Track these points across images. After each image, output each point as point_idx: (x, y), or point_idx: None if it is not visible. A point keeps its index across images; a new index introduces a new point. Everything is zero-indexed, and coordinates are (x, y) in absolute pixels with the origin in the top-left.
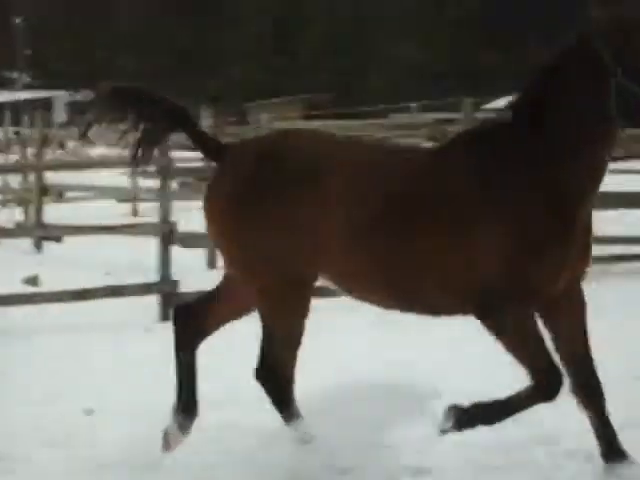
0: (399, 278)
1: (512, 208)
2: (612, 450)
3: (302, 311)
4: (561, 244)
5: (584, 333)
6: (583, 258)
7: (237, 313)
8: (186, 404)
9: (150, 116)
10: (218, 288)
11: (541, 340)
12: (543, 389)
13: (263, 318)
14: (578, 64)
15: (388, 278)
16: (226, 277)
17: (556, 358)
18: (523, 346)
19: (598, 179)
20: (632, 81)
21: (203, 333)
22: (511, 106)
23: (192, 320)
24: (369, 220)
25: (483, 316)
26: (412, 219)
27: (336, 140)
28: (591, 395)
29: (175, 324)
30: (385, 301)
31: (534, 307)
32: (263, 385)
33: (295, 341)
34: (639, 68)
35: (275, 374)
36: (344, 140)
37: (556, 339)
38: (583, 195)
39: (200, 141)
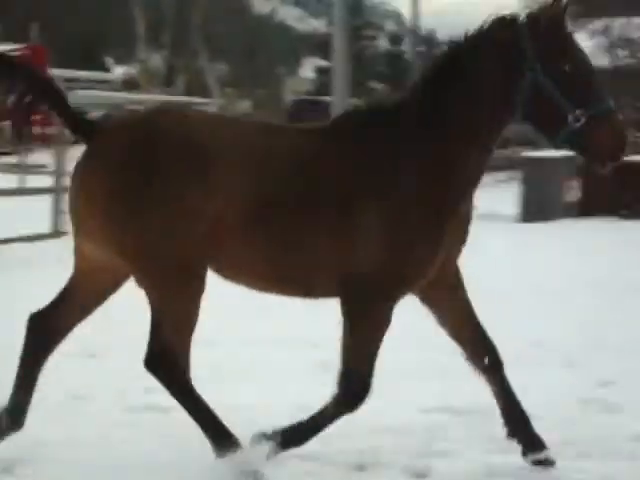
0: (283, 261)
1: (390, 195)
2: (519, 427)
3: (193, 297)
4: (436, 237)
5: (470, 312)
6: (459, 245)
7: (89, 310)
8: (16, 412)
9: (12, 88)
10: (67, 288)
11: (379, 347)
12: (350, 396)
13: (152, 304)
14: (489, 49)
15: (271, 260)
16: (75, 274)
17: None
18: (365, 342)
19: (481, 172)
20: (548, 80)
21: (58, 338)
22: (409, 86)
23: (45, 327)
24: (255, 204)
25: (347, 300)
26: (295, 203)
27: (219, 120)
28: (492, 371)
29: (28, 332)
30: (264, 282)
31: (399, 300)
32: (155, 374)
33: (188, 327)
34: (560, 70)
35: (167, 361)
36: (228, 120)
37: (443, 323)
38: (465, 187)
39: (68, 118)
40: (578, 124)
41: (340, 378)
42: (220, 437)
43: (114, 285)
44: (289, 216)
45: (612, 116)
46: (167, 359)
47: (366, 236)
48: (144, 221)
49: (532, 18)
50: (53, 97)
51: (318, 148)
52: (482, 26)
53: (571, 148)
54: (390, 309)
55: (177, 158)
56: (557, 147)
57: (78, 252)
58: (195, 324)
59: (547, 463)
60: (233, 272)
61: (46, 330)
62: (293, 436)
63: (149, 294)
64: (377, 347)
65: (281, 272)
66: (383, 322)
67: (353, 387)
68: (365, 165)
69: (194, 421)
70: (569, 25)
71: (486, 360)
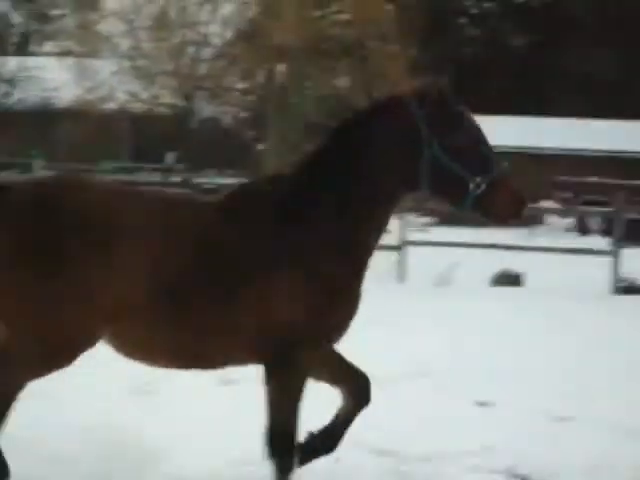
0: (189, 338)
1: (308, 258)
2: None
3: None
4: (354, 292)
5: (336, 357)
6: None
7: None
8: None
9: None
10: None
11: (299, 402)
12: (276, 452)
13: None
14: (391, 126)
15: (176, 339)
16: None
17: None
18: (290, 400)
19: (382, 232)
20: (446, 154)
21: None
22: (312, 153)
23: None
24: (162, 278)
25: (273, 363)
26: (203, 275)
27: (119, 191)
28: (355, 400)
29: None
30: (170, 361)
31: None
32: None
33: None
34: (455, 142)
35: None
36: (128, 192)
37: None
38: (371, 247)
39: None
40: (479, 190)
41: (267, 434)
42: None
43: None
44: (203, 290)
45: (508, 178)
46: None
47: (289, 300)
48: (30, 293)
49: (420, 98)
50: None
51: (236, 217)
52: (373, 108)
53: (475, 212)
54: (311, 363)
55: (78, 234)
56: (462, 212)
57: None
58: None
59: None
60: (134, 350)
61: None
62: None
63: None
64: (298, 405)
65: (189, 351)
66: (303, 383)
67: (277, 445)
68: (286, 231)
69: None
70: (455, 100)
71: (357, 387)
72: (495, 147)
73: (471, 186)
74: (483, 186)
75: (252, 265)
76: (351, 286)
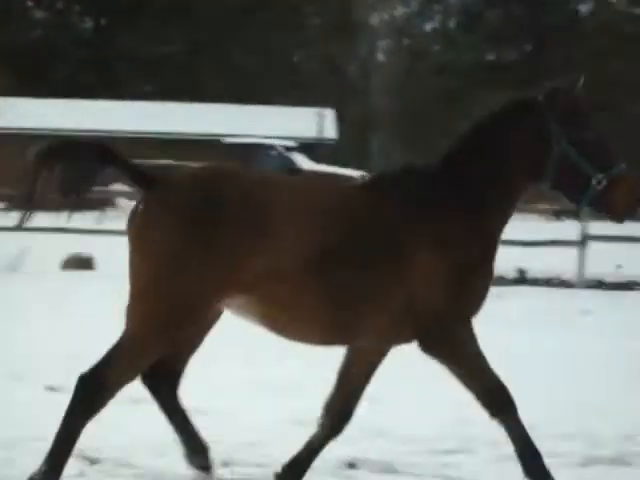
0: (345, 312)
1: (447, 239)
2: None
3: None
4: (488, 270)
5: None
6: None
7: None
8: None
9: (78, 166)
10: None
11: (485, 359)
12: (496, 406)
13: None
14: (523, 124)
15: (333, 312)
16: None
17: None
18: (471, 365)
19: (508, 220)
20: (574, 151)
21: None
22: (449, 149)
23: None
24: (317, 255)
25: (430, 343)
26: (355, 254)
27: (271, 176)
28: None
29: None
30: (324, 336)
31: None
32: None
33: None
34: (583, 140)
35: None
36: (278, 177)
37: (346, 371)
38: (500, 233)
39: (130, 173)
40: (600, 186)
41: (478, 397)
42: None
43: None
44: (356, 268)
45: (627, 176)
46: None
47: (433, 279)
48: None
49: (551, 99)
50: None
51: (383, 202)
52: (508, 108)
53: (593, 207)
54: (470, 334)
55: (240, 211)
56: (581, 206)
57: None
58: None
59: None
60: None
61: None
62: None
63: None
64: (484, 361)
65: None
66: (474, 347)
67: (493, 400)
68: (428, 216)
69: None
70: (583, 100)
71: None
72: (62, 131)
73: (593, 181)
74: (604, 182)
75: (399, 245)
76: (488, 267)
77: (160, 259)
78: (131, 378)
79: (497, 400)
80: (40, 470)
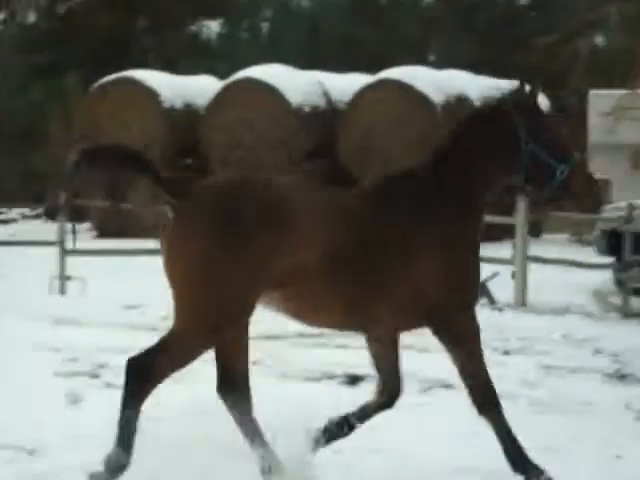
0: (361, 307)
1: (444, 239)
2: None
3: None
4: (477, 263)
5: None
6: None
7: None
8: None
9: (114, 171)
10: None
11: (482, 355)
12: (487, 400)
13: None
14: (494, 127)
15: (352, 307)
16: None
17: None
18: (475, 353)
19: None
20: (542, 150)
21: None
22: (433, 153)
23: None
24: (337, 258)
25: (439, 329)
26: (368, 254)
27: (287, 185)
28: (381, 402)
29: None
30: (344, 323)
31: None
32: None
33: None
34: (545, 138)
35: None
36: (293, 184)
37: (376, 357)
38: (480, 227)
39: (162, 185)
40: (563, 176)
41: (470, 389)
42: (122, 452)
43: None
44: (370, 267)
45: (583, 164)
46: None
47: (435, 274)
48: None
49: (517, 104)
50: (145, 169)
51: (386, 206)
52: (482, 115)
53: (559, 193)
54: (475, 321)
55: (269, 217)
56: (547, 196)
57: None
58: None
59: None
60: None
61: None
62: None
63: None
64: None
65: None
66: (479, 335)
67: (485, 393)
68: (426, 217)
69: (117, 431)
70: (541, 103)
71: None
72: None
73: (557, 172)
74: (566, 172)
75: (403, 244)
76: (477, 259)
77: (198, 266)
78: (176, 370)
79: (485, 396)
80: (113, 452)
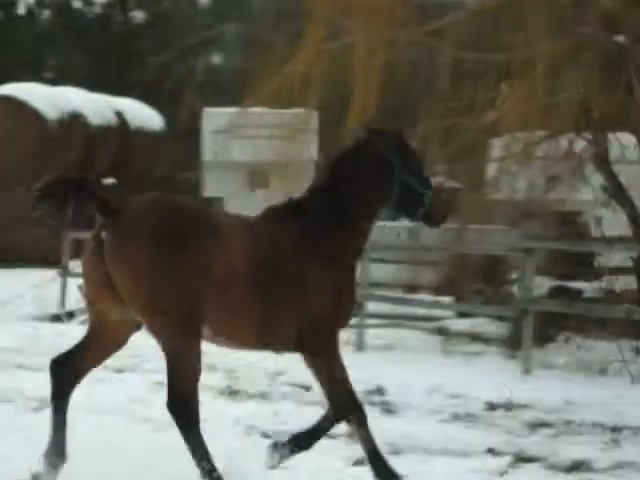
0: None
1: (320, 264)
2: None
3: (196, 341)
4: (354, 289)
5: None
6: None
7: (106, 356)
8: (58, 447)
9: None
10: (87, 337)
11: (345, 371)
12: (343, 412)
13: (166, 350)
14: (367, 157)
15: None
16: (92, 327)
17: None
18: (332, 371)
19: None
20: (409, 174)
21: (77, 379)
22: (310, 188)
23: (68, 369)
24: (232, 276)
25: (306, 348)
26: (263, 277)
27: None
28: None
29: (52, 374)
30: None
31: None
32: (175, 416)
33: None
34: (413, 167)
35: (187, 403)
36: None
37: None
38: (358, 254)
39: (101, 205)
40: (429, 200)
41: (335, 408)
42: (210, 473)
43: (125, 337)
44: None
45: (437, 189)
46: (187, 402)
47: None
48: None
49: (388, 137)
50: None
51: (278, 232)
52: (359, 142)
53: (422, 219)
54: (335, 345)
55: (192, 232)
56: (415, 220)
57: (94, 311)
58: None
59: None
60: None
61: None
62: (300, 443)
63: (163, 342)
64: (343, 371)
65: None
66: (338, 357)
67: (344, 409)
68: (308, 246)
69: (193, 458)
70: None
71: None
72: None
73: (425, 200)
74: (429, 198)
75: (288, 266)
76: (352, 283)
77: (143, 274)
78: (198, 379)
79: (349, 411)
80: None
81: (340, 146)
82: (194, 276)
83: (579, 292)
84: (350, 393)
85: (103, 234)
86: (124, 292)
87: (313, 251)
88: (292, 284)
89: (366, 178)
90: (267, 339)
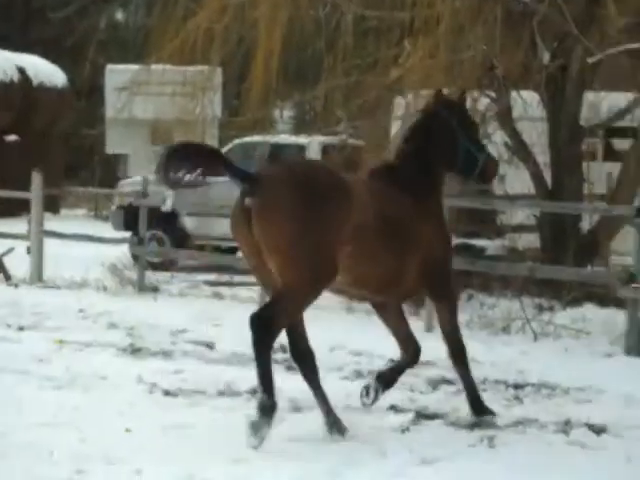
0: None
1: (434, 221)
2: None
3: (316, 294)
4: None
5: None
6: None
7: None
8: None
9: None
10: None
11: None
12: (457, 350)
13: (284, 287)
14: (439, 125)
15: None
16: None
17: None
18: (454, 316)
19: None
20: (471, 143)
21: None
22: (401, 149)
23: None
24: (372, 232)
25: (436, 295)
26: (390, 230)
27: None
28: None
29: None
30: (376, 295)
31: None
32: (253, 332)
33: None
34: (474, 134)
35: (269, 329)
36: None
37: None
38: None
39: (237, 174)
40: (482, 163)
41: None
42: (268, 397)
43: None
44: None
45: (491, 155)
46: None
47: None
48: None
49: (451, 106)
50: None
51: (395, 190)
52: (431, 111)
53: (477, 179)
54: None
55: (334, 194)
56: (470, 181)
57: (261, 277)
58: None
59: None
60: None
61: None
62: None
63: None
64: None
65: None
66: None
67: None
68: (420, 202)
69: (257, 377)
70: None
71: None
72: None
73: (480, 162)
74: (484, 162)
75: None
76: (448, 232)
77: (291, 231)
78: (292, 321)
79: (458, 352)
80: (261, 398)
81: (415, 115)
82: (335, 230)
83: (482, 250)
84: (460, 333)
85: (247, 201)
86: (272, 248)
87: (423, 206)
88: (414, 235)
89: (437, 147)
90: (396, 286)
